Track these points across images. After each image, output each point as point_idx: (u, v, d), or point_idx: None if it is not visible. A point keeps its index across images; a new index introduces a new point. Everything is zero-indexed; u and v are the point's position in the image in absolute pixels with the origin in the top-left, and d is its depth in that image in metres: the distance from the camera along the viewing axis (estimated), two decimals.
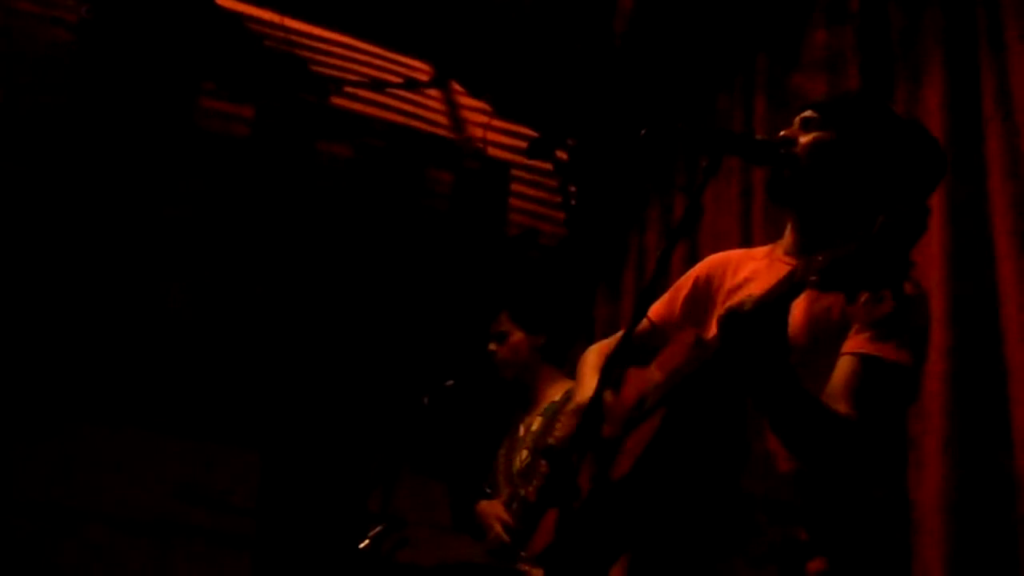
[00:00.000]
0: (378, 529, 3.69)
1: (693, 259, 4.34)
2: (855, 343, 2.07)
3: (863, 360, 2.05)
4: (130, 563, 4.76)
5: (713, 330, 2.26)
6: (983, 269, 3.26)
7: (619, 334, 2.62)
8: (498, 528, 3.76)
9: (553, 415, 3.93)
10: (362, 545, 3.63)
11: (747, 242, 4.27)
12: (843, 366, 2.06)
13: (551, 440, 3.67)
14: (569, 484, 2.05)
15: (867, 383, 2.03)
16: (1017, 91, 3.25)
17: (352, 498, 4.92)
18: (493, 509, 3.88)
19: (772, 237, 2.43)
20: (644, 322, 2.50)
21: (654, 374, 2.25)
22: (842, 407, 2.00)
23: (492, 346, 4.20)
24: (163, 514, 4.86)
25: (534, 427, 3.99)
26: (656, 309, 2.52)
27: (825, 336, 2.12)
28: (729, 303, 1.93)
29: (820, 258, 1.75)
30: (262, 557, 4.98)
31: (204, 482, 4.98)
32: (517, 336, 4.18)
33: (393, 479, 3.93)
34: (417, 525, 4.59)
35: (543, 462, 3.72)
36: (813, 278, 1.75)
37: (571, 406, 2.46)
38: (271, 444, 5.22)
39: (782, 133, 2.29)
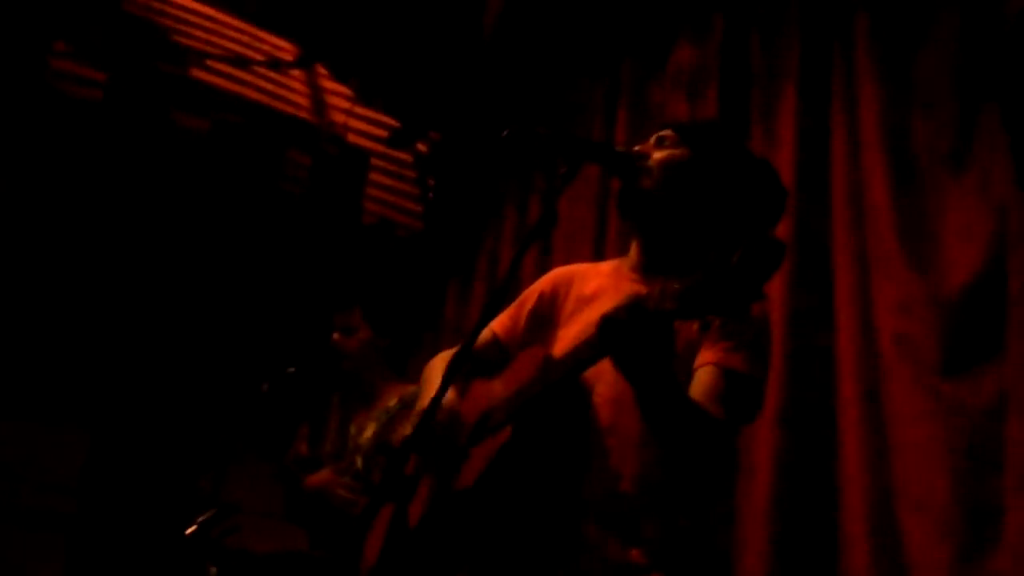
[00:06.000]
0: (207, 515, 3.60)
1: (546, 263, 4.39)
2: (710, 355, 2.11)
3: (722, 370, 2.09)
4: None
5: (559, 343, 2.28)
6: (822, 287, 3.38)
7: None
8: (344, 493, 3.74)
9: (388, 421, 3.91)
10: (189, 531, 3.54)
11: (600, 248, 4.33)
12: (703, 376, 2.10)
13: (392, 439, 3.65)
14: (404, 482, 2.04)
15: (728, 390, 2.08)
16: (864, 122, 3.38)
17: (184, 482, 4.81)
18: (329, 477, 3.85)
19: (626, 244, 2.45)
20: (488, 334, 2.48)
21: (499, 389, 2.24)
22: (713, 410, 2.04)
23: (337, 336, 4.15)
24: None
25: (367, 432, 3.95)
26: (501, 322, 2.50)
27: (677, 361, 2.10)
28: (599, 313, 1.92)
29: (676, 286, 1.75)
30: (79, 539, 4.82)
31: (24, 462, 4.79)
32: (365, 334, 4.14)
33: (226, 464, 3.85)
34: (250, 513, 4.51)
35: (375, 471, 3.71)
36: (670, 306, 1.76)
37: (415, 411, 2.44)
38: (101, 424, 5.06)
39: (636, 148, 2.31)
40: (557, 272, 2.55)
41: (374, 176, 6.40)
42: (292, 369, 4.00)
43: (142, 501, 4.99)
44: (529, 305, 2.49)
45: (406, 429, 2.40)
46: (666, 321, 1.86)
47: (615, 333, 1.86)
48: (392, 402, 3.99)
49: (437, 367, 2.56)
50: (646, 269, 2.30)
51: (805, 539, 3.21)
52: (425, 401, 2.36)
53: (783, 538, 3.23)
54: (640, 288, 2.08)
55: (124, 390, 5.17)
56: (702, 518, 2.16)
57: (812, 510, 3.22)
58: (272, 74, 6.13)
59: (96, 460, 4.99)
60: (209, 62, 5.89)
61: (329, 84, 6.29)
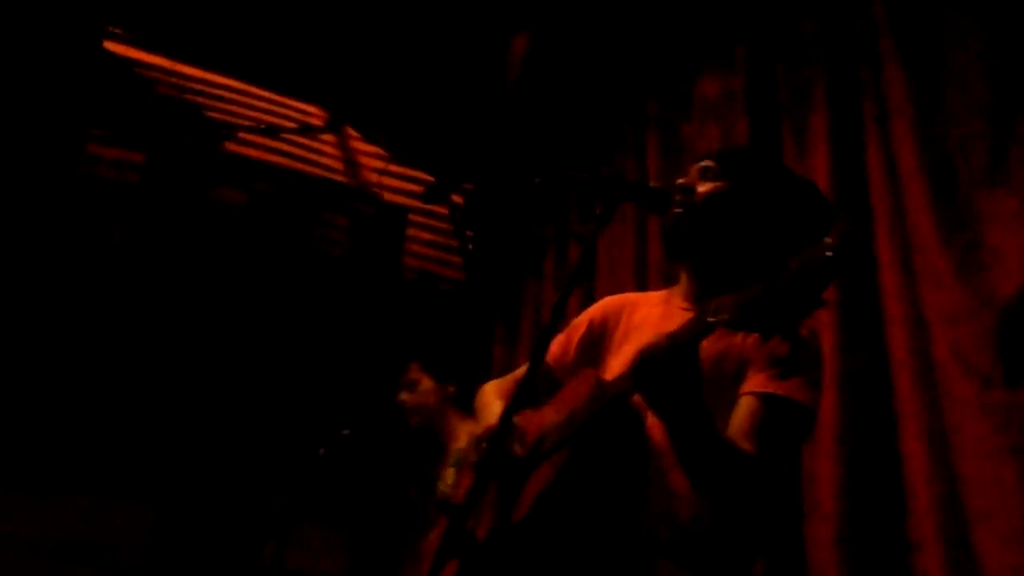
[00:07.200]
0: None
1: (589, 304, 4.38)
2: (755, 383, 2.09)
3: (765, 399, 2.06)
4: None
5: (609, 371, 2.27)
6: (871, 304, 3.35)
7: (514, 373, 2.63)
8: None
9: (461, 464, 3.90)
10: None
11: (642, 288, 4.32)
12: (745, 405, 2.07)
13: (448, 493, 3.64)
14: (468, 536, 2.03)
15: (769, 422, 2.05)
16: (898, 136, 3.37)
17: (247, 552, 4.82)
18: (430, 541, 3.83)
19: (667, 283, 2.45)
20: None
21: (551, 415, 2.23)
22: (746, 446, 2.01)
23: (403, 396, 4.17)
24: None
25: (449, 479, 3.94)
26: (551, 350, 2.49)
27: (723, 377, 2.12)
28: (641, 346, 1.91)
29: (728, 299, 1.74)
30: None
31: (88, 539, 4.80)
32: (427, 385, 4.15)
33: (288, 531, 3.86)
34: None
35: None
36: (725, 316, 1.75)
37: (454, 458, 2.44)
38: (163, 498, 5.08)
39: (680, 181, 2.30)
40: (608, 300, 2.55)
41: (412, 232, 6.43)
42: (347, 431, 4.01)
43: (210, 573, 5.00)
44: (579, 333, 2.50)
45: (464, 482, 2.41)
46: (696, 352, 1.85)
47: (649, 369, 1.85)
48: (463, 443, 3.97)
49: (488, 394, 2.57)
50: (696, 299, 2.30)
51: (875, 551, 3.17)
52: (487, 420, 2.37)
53: (853, 551, 3.20)
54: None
55: (184, 463, 5.20)
56: (762, 538, 2.13)
57: (880, 523, 3.19)
58: (303, 140, 6.20)
59: (161, 535, 5.01)
60: (241, 134, 5.96)
61: (360, 145, 6.35)
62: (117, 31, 5.52)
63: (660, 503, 2.10)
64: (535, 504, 2.06)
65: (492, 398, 2.56)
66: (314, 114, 6.15)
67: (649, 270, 4.40)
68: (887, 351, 3.28)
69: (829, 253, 1.61)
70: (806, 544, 3.34)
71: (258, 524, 4.94)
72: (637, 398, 2.02)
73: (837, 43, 3.73)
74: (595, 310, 2.54)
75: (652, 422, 2.07)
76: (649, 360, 1.87)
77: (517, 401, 2.02)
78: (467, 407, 4.23)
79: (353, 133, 6.28)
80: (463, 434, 4.03)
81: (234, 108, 6.01)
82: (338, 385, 5.50)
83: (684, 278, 2.37)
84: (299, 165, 6.16)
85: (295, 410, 5.39)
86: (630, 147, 4.83)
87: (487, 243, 6.11)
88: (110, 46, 5.54)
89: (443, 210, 6.32)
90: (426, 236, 6.47)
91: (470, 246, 6.20)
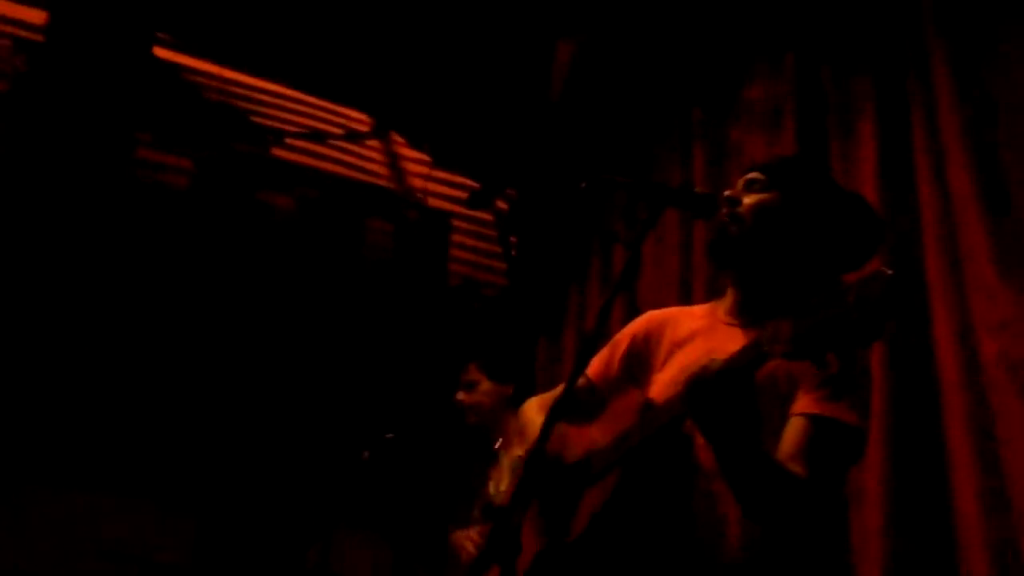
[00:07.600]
0: None
1: (633, 312, 4.35)
2: (805, 404, 2.06)
3: (814, 421, 2.04)
4: None
5: (654, 387, 2.26)
6: (919, 312, 3.32)
7: (557, 389, 2.62)
8: (470, 548, 3.70)
9: (516, 471, 3.90)
10: None
11: (687, 295, 4.30)
12: (795, 427, 2.05)
13: (495, 499, 3.64)
14: (511, 541, 2.03)
15: (819, 443, 2.02)
16: (947, 143, 3.33)
17: (291, 555, 4.85)
18: (467, 534, 3.82)
19: (712, 291, 2.43)
20: (581, 379, 2.45)
21: (597, 435, 2.22)
22: (796, 468, 1.99)
23: (460, 395, 4.19)
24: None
25: (503, 484, 3.95)
26: (593, 366, 2.48)
27: (773, 396, 2.09)
28: (687, 363, 1.90)
29: (785, 327, 1.71)
30: None
31: (136, 541, 4.86)
32: (486, 386, 4.17)
33: (332, 535, 3.88)
34: None
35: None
36: (782, 349, 1.72)
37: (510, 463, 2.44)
38: (207, 501, 5.13)
39: (727, 193, 2.28)
40: (650, 315, 2.53)
41: (456, 238, 6.46)
42: (391, 435, 4.03)
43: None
44: (622, 348, 2.48)
45: (511, 488, 2.41)
46: (750, 378, 1.84)
47: (702, 395, 1.84)
48: (520, 450, 3.97)
49: (531, 412, 2.57)
50: (742, 313, 2.27)
51: (922, 560, 3.14)
52: (527, 446, 2.36)
53: (899, 559, 3.16)
54: (736, 332, 2.06)
55: (228, 466, 5.24)
56: (812, 559, 2.11)
57: (927, 538, 3.15)
58: (349, 146, 6.24)
59: (205, 539, 5.05)
60: (288, 140, 6.01)
61: (405, 151, 6.38)
62: (165, 37, 5.59)
63: (710, 526, 2.08)
64: (588, 526, 2.06)
65: (535, 414, 2.55)
66: (360, 120, 6.20)
67: (694, 277, 4.38)
68: (935, 360, 3.25)
69: (887, 286, 1.58)
70: (853, 556, 3.31)
71: (302, 528, 4.97)
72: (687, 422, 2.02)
73: (886, 49, 3.70)
74: (637, 325, 2.51)
75: (702, 444, 2.06)
76: (702, 386, 1.85)
77: (557, 416, 2.01)
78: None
79: (398, 139, 6.32)
80: (520, 440, 4.02)
81: (281, 114, 6.07)
82: (382, 390, 5.52)
83: (730, 291, 2.34)
84: (345, 171, 6.21)
85: (339, 414, 5.42)
86: (675, 153, 4.81)
87: (531, 249, 6.12)
88: (159, 52, 5.60)
89: (487, 216, 6.34)
90: (470, 242, 6.50)
91: (514, 252, 6.22)
